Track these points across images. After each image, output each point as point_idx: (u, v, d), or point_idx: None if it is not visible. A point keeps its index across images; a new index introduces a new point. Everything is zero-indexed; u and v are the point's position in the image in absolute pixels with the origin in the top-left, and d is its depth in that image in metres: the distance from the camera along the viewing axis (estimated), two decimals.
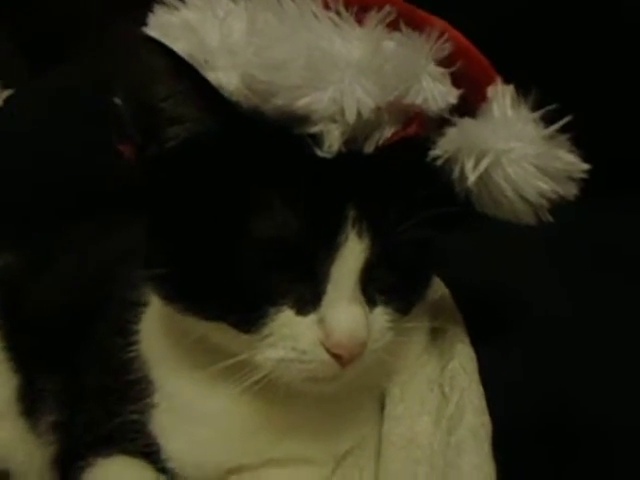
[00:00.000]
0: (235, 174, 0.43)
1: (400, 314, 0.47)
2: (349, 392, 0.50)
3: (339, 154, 0.42)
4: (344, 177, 0.42)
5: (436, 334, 0.56)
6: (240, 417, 0.50)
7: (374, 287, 0.45)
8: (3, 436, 0.58)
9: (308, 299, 0.44)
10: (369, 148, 0.42)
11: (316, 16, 0.42)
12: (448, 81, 0.45)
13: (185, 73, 0.43)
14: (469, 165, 0.43)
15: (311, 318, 0.44)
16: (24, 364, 0.59)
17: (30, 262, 0.63)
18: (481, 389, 0.50)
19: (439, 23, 0.45)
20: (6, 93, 1.12)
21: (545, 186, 0.45)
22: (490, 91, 0.46)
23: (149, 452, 0.51)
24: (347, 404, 0.52)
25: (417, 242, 0.45)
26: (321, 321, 0.43)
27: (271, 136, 0.43)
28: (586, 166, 0.46)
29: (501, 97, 0.46)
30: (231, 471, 0.52)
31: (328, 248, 0.42)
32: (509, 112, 0.46)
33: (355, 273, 0.43)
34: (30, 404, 0.58)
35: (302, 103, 0.41)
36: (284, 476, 0.52)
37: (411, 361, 0.54)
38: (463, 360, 0.52)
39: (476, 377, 0.50)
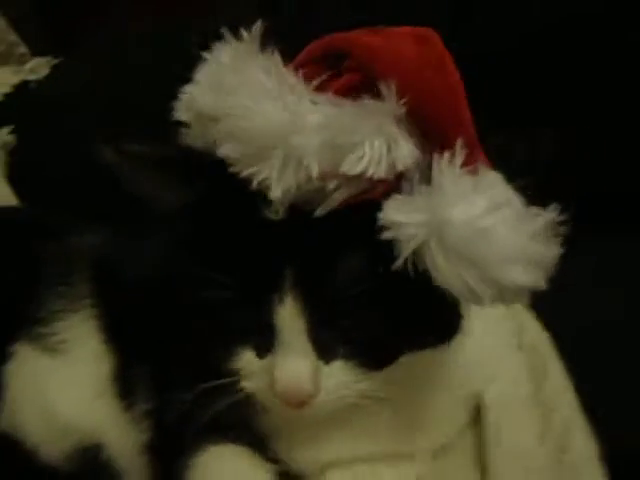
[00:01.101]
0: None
1: (365, 369, 0.46)
2: (433, 393, 0.52)
3: (290, 215, 0.43)
4: (288, 238, 0.43)
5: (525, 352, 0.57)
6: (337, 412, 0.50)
7: (335, 341, 0.45)
8: (98, 413, 0.57)
9: (264, 345, 0.46)
10: (320, 212, 0.42)
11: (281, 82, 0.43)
12: (404, 142, 0.42)
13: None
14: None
15: (266, 362, 0.46)
16: (119, 347, 0.58)
17: (117, 240, 0.61)
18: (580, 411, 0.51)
19: (404, 71, 0.42)
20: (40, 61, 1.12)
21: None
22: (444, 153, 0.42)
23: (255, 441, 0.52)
24: (434, 403, 0.53)
25: (375, 301, 0.43)
26: (270, 368, 0.45)
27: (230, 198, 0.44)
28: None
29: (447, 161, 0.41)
30: (328, 465, 0.52)
31: (270, 306, 0.44)
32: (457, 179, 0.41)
33: (299, 330, 0.44)
34: (125, 388, 0.57)
35: (246, 174, 0.42)
36: (378, 471, 0.52)
37: (503, 370, 0.55)
38: (559, 380, 0.52)
39: (573, 397, 0.51)
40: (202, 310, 0.46)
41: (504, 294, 0.41)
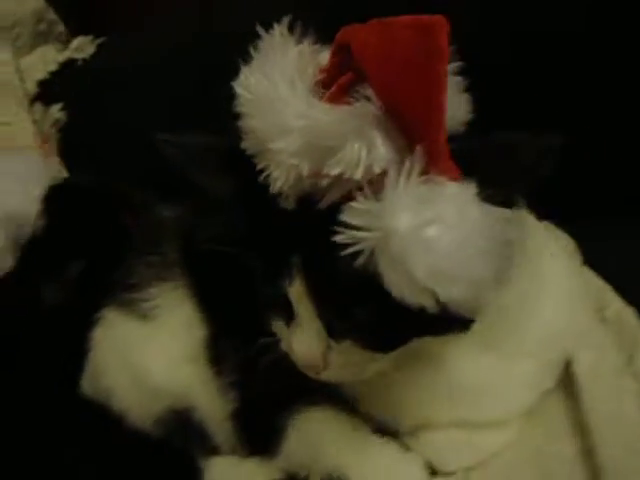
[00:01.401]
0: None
1: (374, 350, 0.48)
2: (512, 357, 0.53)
3: (301, 205, 0.45)
4: (297, 225, 0.45)
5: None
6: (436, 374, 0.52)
7: (343, 323, 0.47)
8: (189, 378, 0.58)
9: (288, 317, 0.49)
10: (322, 205, 0.44)
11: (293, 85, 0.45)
12: (382, 145, 0.42)
13: None
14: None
15: (290, 331, 0.49)
16: (210, 318, 0.59)
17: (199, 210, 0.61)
18: None
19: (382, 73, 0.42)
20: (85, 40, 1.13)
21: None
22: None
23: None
24: (512, 370, 0.54)
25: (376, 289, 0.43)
26: (290, 338, 0.49)
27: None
28: None
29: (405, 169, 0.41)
30: (421, 427, 0.54)
31: (285, 285, 0.47)
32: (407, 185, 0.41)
33: (309, 309, 0.46)
34: (214, 355, 0.58)
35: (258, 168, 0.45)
36: (471, 437, 0.54)
37: (591, 339, 0.56)
38: None
39: None
40: (247, 280, 0.49)
41: (445, 308, 0.41)
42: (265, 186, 0.45)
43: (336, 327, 0.47)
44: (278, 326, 0.50)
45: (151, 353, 0.59)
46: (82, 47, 1.11)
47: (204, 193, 0.50)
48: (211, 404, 0.58)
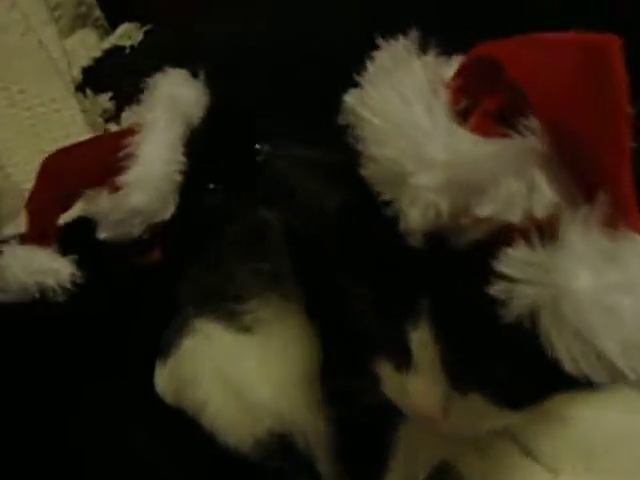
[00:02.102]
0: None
1: (504, 406, 0.42)
2: None
3: (431, 243, 0.39)
4: (427, 266, 0.40)
5: None
6: None
7: (470, 374, 0.42)
8: (294, 400, 0.54)
9: (401, 361, 0.43)
10: (456, 245, 0.38)
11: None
12: (546, 187, 0.36)
13: None
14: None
15: (402, 377, 0.43)
16: (318, 337, 0.54)
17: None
18: None
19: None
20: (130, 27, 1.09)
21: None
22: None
23: None
24: None
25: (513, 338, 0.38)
26: (404, 385, 0.43)
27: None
28: None
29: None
30: None
31: (406, 328, 0.42)
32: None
33: (433, 357, 0.41)
34: (321, 380, 0.53)
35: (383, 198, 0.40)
36: None
37: None
38: None
39: None
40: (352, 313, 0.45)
41: (621, 380, 0.36)
42: (385, 216, 0.40)
43: (464, 378, 0.42)
44: (385, 369, 0.45)
45: (254, 369, 0.55)
46: (128, 34, 1.09)
47: (311, 211, 0.47)
48: (315, 428, 0.54)
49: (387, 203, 0.40)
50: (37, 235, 0.63)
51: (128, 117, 0.71)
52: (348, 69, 0.44)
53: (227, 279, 0.56)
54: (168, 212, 0.63)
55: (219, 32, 0.94)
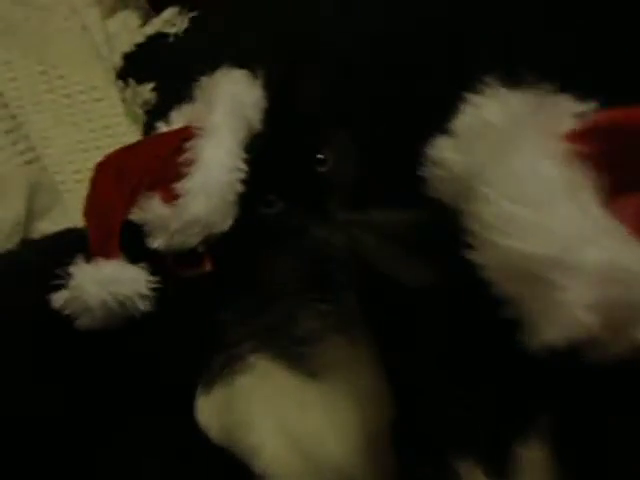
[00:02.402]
0: None
1: None
2: None
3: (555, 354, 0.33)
4: (550, 379, 0.35)
5: None
6: None
7: None
8: (362, 458, 0.48)
9: (494, 470, 0.38)
10: (591, 361, 0.32)
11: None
12: None
13: None
14: None
15: None
16: (394, 391, 0.46)
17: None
18: None
19: None
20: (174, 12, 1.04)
21: None
22: None
23: None
24: None
25: None
26: None
27: None
28: None
29: None
30: None
31: (511, 441, 0.37)
32: None
33: (539, 477, 0.36)
34: (395, 439, 0.46)
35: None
36: None
37: None
38: None
39: None
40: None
41: None
42: (497, 312, 0.33)
43: None
44: (471, 470, 0.39)
45: (320, 421, 0.49)
46: (172, 20, 1.04)
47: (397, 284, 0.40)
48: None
49: (501, 298, 0.33)
50: (100, 244, 0.58)
51: (179, 116, 0.67)
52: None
53: (288, 317, 0.51)
54: (227, 224, 0.58)
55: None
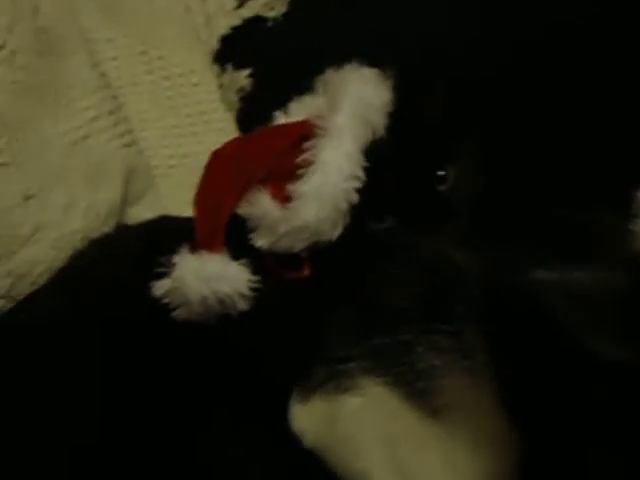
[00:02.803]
0: None
1: None
2: None
3: None
4: None
5: None
6: None
7: None
8: None
9: None
10: None
11: None
12: None
13: None
14: None
15: None
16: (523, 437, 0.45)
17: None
18: None
19: None
20: None
21: None
22: None
23: None
24: None
25: None
26: None
27: None
28: None
29: None
30: None
31: None
32: None
33: None
34: None
35: None
36: None
37: None
38: None
39: None
40: None
41: None
42: None
43: None
44: None
45: (438, 467, 0.47)
46: (271, 3, 1.02)
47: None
48: None
49: None
50: (207, 237, 0.57)
51: (299, 108, 0.64)
52: None
53: (405, 345, 0.49)
54: (336, 233, 0.56)
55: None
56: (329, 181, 0.56)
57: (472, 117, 0.68)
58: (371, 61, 0.66)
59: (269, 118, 0.70)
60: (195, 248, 0.57)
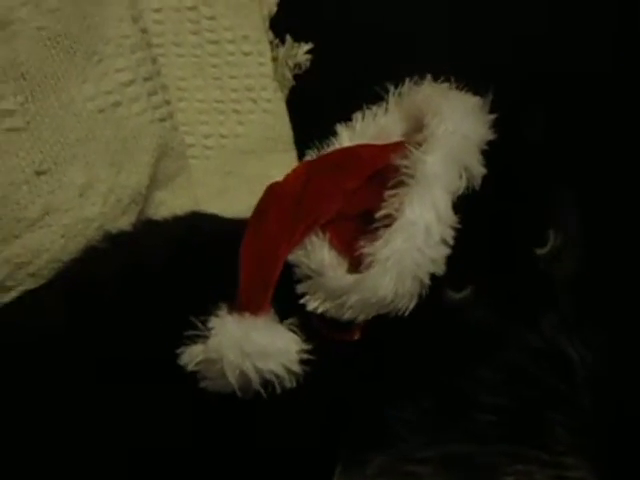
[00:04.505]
0: None
1: None
2: None
3: None
4: None
5: None
6: None
7: None
8: None
9: None
10: None
11: None
12: None
13: None
14: None
15: None
16: None
17: None
18: None
19: None
20: None
21: None
22: None
23: None
24: None
25: None
26: None
27: None
28: None
29: None
30: None
31: None
32: None
33: None
34: None
35: None
36: None
37: None
38: None
39: None
40: None
41: None
42: None
43: None
44: None
45: None
46: None
47: None
48: None
49: None
50: (253, 296, 0.46)
51: (367, 126, 0.52)
52: None
53: (487, 469, 0.39)
54: (411, 306, 0.44)
55: None
56: (414, 246, 0.44)
57: (574, 160, 0.58)
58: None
59: (329, 119, 0.55)
60: (237, 307, 0.46)
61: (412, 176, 0.45)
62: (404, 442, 0.44)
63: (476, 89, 0.51)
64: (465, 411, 0.42)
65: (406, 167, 0.46)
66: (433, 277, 0.45)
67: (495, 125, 0.48)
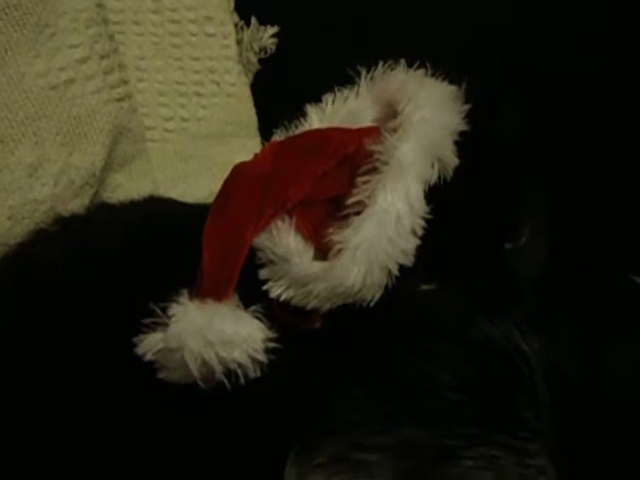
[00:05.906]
0: None
1: None
2: None
3: None
4: None
5: None
6: None
7: None
8: None
9: None
10: None
11: None
12: None
13: None
14: None
15: None
16: None
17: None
18: None
19: None
20: None
21: None
22: None
23: None
24: None
25: None
26: None
27: None
28: None
29: None
30: None
31: None
32: None
33: None
34: None
35: None
36: None
37: None
38: None
39: None
40: None
41: None
42: None
43: None
44: None
45: None
46: None
47: None
48: None
49: None
50: (216, 281, 0.43)
51: (337, 110, 0.51)
52: None
53: (447, 453, 0.38)
54: (377, 296, 0.43)
55: None
56: (384, 235, 0.42)
57: (546, 150, 0.57)
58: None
59: (294, 104, 0.52)
60: (198, 293, 0.43)
61: (386, 163, 0.43)
62: (358, 428, 0.42)
63: (449, 77, 0.51)
64: (423, 395, 0.41)
65: (379, 153, 0.44)
66: (401, 268, 0.43)
67: (468, 116, 0.47)
